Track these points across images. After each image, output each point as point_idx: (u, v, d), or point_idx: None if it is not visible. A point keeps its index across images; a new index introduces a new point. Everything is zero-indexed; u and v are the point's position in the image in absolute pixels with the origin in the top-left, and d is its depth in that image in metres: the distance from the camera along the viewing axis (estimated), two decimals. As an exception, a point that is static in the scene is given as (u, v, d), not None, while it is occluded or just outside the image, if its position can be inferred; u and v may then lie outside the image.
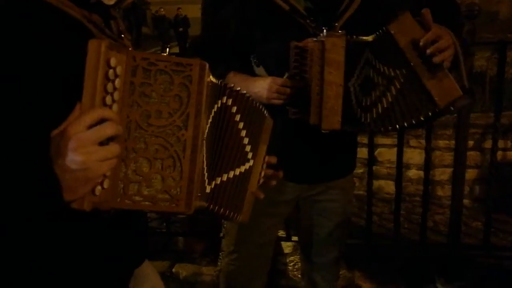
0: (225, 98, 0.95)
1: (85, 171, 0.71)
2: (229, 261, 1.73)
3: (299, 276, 2.59)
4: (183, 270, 2.68)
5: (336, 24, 1.44)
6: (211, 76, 0.86)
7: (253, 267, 1.72)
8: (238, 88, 0.97)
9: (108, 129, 0.72)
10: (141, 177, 0.79)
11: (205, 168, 0.90)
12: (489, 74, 4.37)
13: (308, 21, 1.45)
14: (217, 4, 2.45)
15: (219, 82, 0.93)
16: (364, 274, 2.59)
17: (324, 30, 1.39)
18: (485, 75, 4.38)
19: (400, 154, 2.59)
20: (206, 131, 0.87)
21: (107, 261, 0.97)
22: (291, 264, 2.73)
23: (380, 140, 3.57)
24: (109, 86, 0.73)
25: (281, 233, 2.63)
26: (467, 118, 2.46)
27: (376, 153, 3.42)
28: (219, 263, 2.72)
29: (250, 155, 1.05)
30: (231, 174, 0.99)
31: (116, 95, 0.75)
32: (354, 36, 1.36)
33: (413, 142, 3.62)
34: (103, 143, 0.72)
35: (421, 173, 3.21)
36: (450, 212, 2.62)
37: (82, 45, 0.72)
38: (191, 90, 0.80)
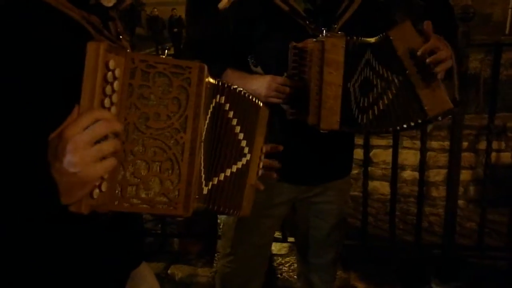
0: (218, 96, 0.94)
1: (82, 174, 0.70)
2: (225, 263, 1.72)
3: (295, 277, 2.59)
4: (178, 271, 2.67)
5: (335, 25, 1.45)
6: (209, 77, 0.86)
7: (250, 269, 1.71)
8: (229, 84, 0.96)
9: (102, 128, 0.71)
10: (139, 180, 0.79)
11: (202, 169, 0.90)
12: (483, 76, 4.41)
13: (307, 22, 1.45)
14: (199, 4, 2.46)
15: (216, 81, 0.93)
16: (360, 275, 2.60)
17: (324, 31, 1.39)
18: (479, 77, 4.42)
19: (395, 155, 2.60)
20: (204, 132, 0.87)
21: (104, 262, 0.97)
22: (287, 265, 2.73)
23: (375, 141, 3.58)
24: (108, 89, 0.73)
25: (277, 234, 2.63)
26: (461, 120, 2.47)
27: (371, 154, 3.43)
28: (214, 265, 2.72)
29: (246, 150, 1.04)
30: (228, 172, 0.99)
31: (114, 98, 0.75)
32: (355, 37, 1.36)
33: (407, 143, 3.63)
34: (98, 143, 0.72)
35: (416, 174, 3.23)
36: (445, 213, 2.63)
37: (81, 46, 0.71)
38: (190, 92, 0.80)
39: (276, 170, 1.18)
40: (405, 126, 1.37)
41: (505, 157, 3.55)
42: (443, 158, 3.56)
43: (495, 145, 3.08)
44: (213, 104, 0.92)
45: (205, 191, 0.93)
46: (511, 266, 2.59)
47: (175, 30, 13.57)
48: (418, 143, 2.97)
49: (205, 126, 0.88)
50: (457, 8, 2.62)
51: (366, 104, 1.37)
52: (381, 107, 1.36)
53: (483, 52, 4.60)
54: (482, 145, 3.25)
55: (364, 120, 1.38)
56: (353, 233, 2.70)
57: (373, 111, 1.37)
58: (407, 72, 1.32)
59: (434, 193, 3.67)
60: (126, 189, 0.78)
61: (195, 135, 0.81)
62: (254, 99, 1.06)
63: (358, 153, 2.64)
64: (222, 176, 0.97)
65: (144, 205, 0.80)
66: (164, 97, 0.79)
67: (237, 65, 1.53)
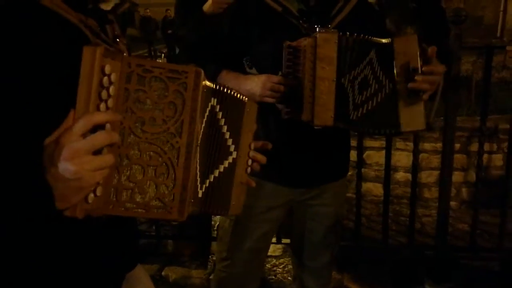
0: (213, 99, 0.94)
1: (78, 181, 0.70)
2: (221, 267, 1.71)
3: (289, 278, 2.60)
4: (172, 273, 2.67)
5: (329, 26, 1.46)
6: (206, 81, 0.85)
7: (246, 274, 1.69)
8: (221, 85, 0.96)
9: (102, 139, 0.72)
10: (134, 184, 0.79)
11: (198, 173, 0.90)
12: (475, 78, 4.45)
13: (300, 21, 1.46)
14: (187, 6, 2.47)
15: (213, 85, 0.93)
16: (353, 276, 2.61)
17: (317, 28, 1.40)
18: (471, 79, 4.45)
19: (388, 157, 2.62)
20: (200, 136, 0.87)
21: (100, 264, 0.97)
22: (281, 266, 2.74)
23: (368, 143, 3.60)
24: (103, 94, 0.73)
25: (271, 235, 2.64)
26: (453, 122, 2.49)
27: (364, 155, 3.45)
28: (208, 266, 2.72)
29: (232, 148, 1.03)
30: (217, 172, 0.98)
31: (110, 102, 0.74)
32: (355, 34, 1.38)
33: (400, 145, 3.65)
34: (97, 151, 0.72)
35: (408, 175, 3.24)
36: (437, 214, 2.64)
37: (78, 49, 0.71)
38: (186, 97, 0.80)
39: (261, 163, 1.14)
40: (376, 131, 1.45)
41: (497, 159, 3.58)
42: (435, 160, 3.58)
43: (487, 147, 3.10)
44: (209, 107, 0.92)
45: (200, 194, 0.93)
46: (503, 267, 2.61)
47: (169, 31, 13.48)
48: (410, 145, 2.99)
49: (201, 130, 0.88)
50: (449, 11, 2.64)
51: (359, 102, 1.39)
52: (369, 108, 1.39)
53: (475, 55, 4.64)
54: (474, 147, 3.27)
55: (354, 117, 1.40)
56: (347, 234, 2.71)
57: (362, 109, 1.40)
58: (396, 83, 1.37)
59: (427, 194, 3.69)
60: (121, 194, 0.78)
61: (191, 140, 0.81)
62: (238, 95, 1.04)
63: (352, 155, 2.63)
64: (212, 178, 0.97)
65: (139, 210, 0.80)
66: (160, 101, 0.79)
67: (232, 66, 1.53)
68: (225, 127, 0.99)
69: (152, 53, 3.54)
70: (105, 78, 0.72)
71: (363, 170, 2.85)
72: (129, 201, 0.79)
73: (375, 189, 3.70)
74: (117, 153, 0.77)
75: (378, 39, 1.38)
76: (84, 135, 0.70)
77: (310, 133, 1.47)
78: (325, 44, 1.36)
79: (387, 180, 2.66)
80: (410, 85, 1.34)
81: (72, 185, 0.70)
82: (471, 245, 2.68)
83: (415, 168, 2.63)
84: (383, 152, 2.78)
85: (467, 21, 2.37)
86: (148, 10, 14.97)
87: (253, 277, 1.74)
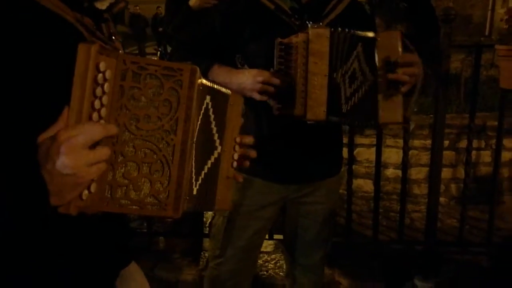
0: (207, 96, 0.94)
1: (74, 176, 0.71)
2: (213, 265, 1.70)
3: (281, 274, 2.61)
4: (164, 270, 2.67)
5: (321, 23, 1.47)
6: (202, 79, 0.85)
7: (238, 272, 1.69)
8: (211, 81, 0.96)
9: (97, 133, 0.72)
10: (129, 181, 0.79)
11: (194, 170, 0.90)
12: (464, 76, 4.49)
13: (292, 19, 1.47)
14: (177, 1, 2.47)
15: (209, 83, 0.93)
16: (344, 271, 2.63)
17: (309, 24, 1.41)
18: (460, 77, 4.50)
19: (378, 154, 2.64)
20: (196, 133, 0.87)
21: (93, 261, 0.97)
22: (273, 262, 2.75)
23: (359, 140, 3.62)
24: (98, 91, 0.73)
25: (263, 231, 2.65)
26: (443, 119, 2.52)
27: (355, 152, 3.47)
28: (200, 263, 2.73)
29: (217, 142, 1.01)
30: (206, 168, 0.98)
31: (104, 99, 0.75)
32: (347, 30, 1.39)
33: (390, 142, 3.68)
34: (92, 146, 0.72)
35: (398, 172, 3.28)
36: (427, 210, 2.68)
37: (73, 47, 0.72)
38: (181, 95, 0.80)
39: (250, 159, 1.13)
40: (356, 123, 1.48)
41: (485, 155, 3.62)
42: (425, 157, 3.62)
43: (475, 143, 3.15)
44: (204, 105, 0.93)
45: (194, 191, 0.93)
46: (491, 261, 2.65)
47: (160, 29, 13.32)
48: (400, 141, 3.02)
49: (197, 128, 0.88)
50: (438, 10, 2.67)
51: (349, 95, 1.42)
52: (355, 100, 1.42)
53: (464, 53, 4.69)
54: (463, 144, 3.32)
55: (345, 110, 1.42)
56: (338, 230, 2.73)
57: (351, 102, 1.42)
58: (377, 76, 1.39)
59: (416, 190, 3.72)
60: (116, 190, 0.79)
61: (186, 137, 0.81)
62: (222, 89, 1.02)
63: (343, 152, 2.68)
64: (203, 174, 0.97)
65: (134, 206, 0.80)
66: (155, 99, 0.79)
67: (224, 64, 1.53)
68: (214, 123, 0.99)
69: (143, 50, 3.51)
70: (100, 75, 0.73)
71: (354, 166, 2.87)
72: (123, 198, 0.79)
73: (365, 185, 3.73)
74: (112, 150, 0.77)
75: (365, 33, 1.40)
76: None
77: (302, 129, 1.48)
78: (317, 39, 1.38)
79: (377, 177, 2.68)
80: (389, 76, 1.36)
81: (68, 180, 0.71)
82: (459, 240, 2.72)
83: (405, 165, 2.66)
84: (374, 149, 2.81)
85: (456, 19, 2.40)
86: (138, 7, 14.78)
87: (246, 274, 1.74)
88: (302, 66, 1.39)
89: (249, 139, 1.11)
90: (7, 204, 0.72)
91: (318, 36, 1.38)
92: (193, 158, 0.88)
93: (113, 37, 0.96)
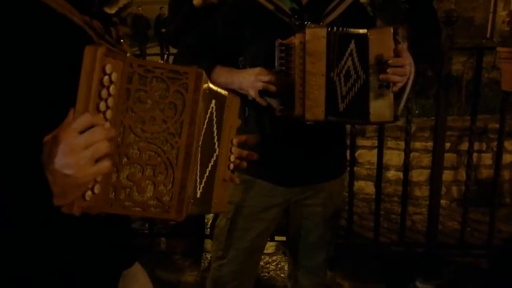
0: (213, 100, 0.94)
1: (76, 176, 0.71)
2: (216, 266, 1.70)
3: (282, 275, 2.62)
4: (165, 271, 2.67)
5: (321, 24, 1.46)
6: (208, 83, 0.86)
7: (241, 273, 1.69)
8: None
9: (98, 134, 0.73)
10: (132, 183, 0.79)
11: (198, 173, 0.90)
12: (465, 78, 4.50)
13: (292, 19, 1.47)
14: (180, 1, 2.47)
15: (215, 88, 0.93)
16: (345, 273, 2.63)
17: (307, 24, 1.41)
18: (461, 79, 4.50)
19: (380, 156, 2.65)
20: (202, 137, 0.88)
21: (95, 261, 0.98)
22: (274, 263, 2.76)
23: (360, 141, 3.63)
24: (104, 93, 0.74)
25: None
26: (444, 121, 2.53)
27: (356, 154, 3.48)
28: (201, 264, 2.73)
29: (216, 145, 1.01)
30: (208, 171, 0.98)
31: (110, 102, 0.75)
32: (341, 28, 1.39)
33: (391, 144, 3.68)
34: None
35: (400, 174, 3.28)
36: (428, 212, 2.68)
37: (81, 50, 0.73)
38: (186, 98, 0.80)
39: (249, 160, 1.12)
40: (348, 121, 1.46)
41: (486, 158, 3.62)
42: (426, 159, 3.62)
43: (476, 146, 3.15)
44: (210, 109, 0.93)
45: (198, 194, 0.93)
46: (492, 263, 2.65)
47: (163, 30, 13.27)
48: (402, 144, 3.02)
49: (203, 131, 0.88)
50: (440, 12, 2.68)
51: (344, 93, 1.41)
52: (350, 98, 1.41)
53: (466, 55, 4.69)
54: (464, 146, 3.31)
55: (341, 109, 1.42)
56: (339, 232, 2.73)
57: (346, 100, 1.42)
58: (369, 74, 1.38)
59: (417, 192, 3.72)
60: (119, 192, 0.79)
61: (191, 140, 0.81)
62: (220, 90, 1.01)
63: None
64: (205, 177, 0.97)
65: (137, 208, 0.81)
66: (161, 101, 0.79)
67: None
68: (215, 126, 0.99)
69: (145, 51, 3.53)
70: (106, 77, 0.73)
71: (355, 168, 2.87)
72: (127, 200, 0.80)
73: (367, 187, 3.73)
74: (116, 152, 0.78)
75: (357, 30, 1.39)
76: (81, 132, 0.71)
77: (305, 131, 1.48)
78: (314, 39, 1.37)
79: (378, 179, 2.69)
80: (381, 76, 1.36)
81: (69, 181, 0.71)
82: (461, 243, 2.72)
83: (406, 167, 2.66)
84: (375, 151, 2.81)
85: (458, 22, 2.41)
86: (140, 8, 14.72)
87: (249, 275, 1.74)
88: (299, 66, 1.39)
89: (248, 139, 1.11)
90: (12, 205, 0.72)
91: (315, 36, 1.37)
92: (198, 162, 0.88)
93: (122, 40, 0.96)
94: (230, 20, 1.55)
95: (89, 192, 0.75)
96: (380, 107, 1.39)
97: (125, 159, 0.79)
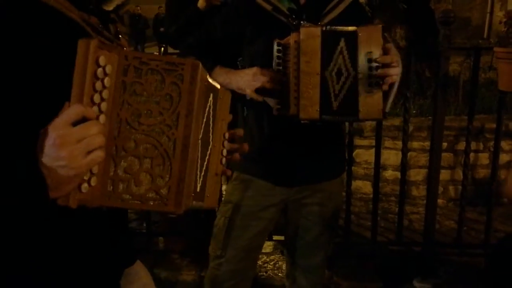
0: (211, 95, 0.94)
1: (69, 168, 0.71)
2: (214, 265, 1.70)
3: (279, 274, 2.63)
4: (163, 270, 2.67)
5: (319, 23, 1.47)
6: (207, 76, 0.85)
7: (239, 272, 1.69)
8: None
9: (93, 127, 0.73)
10: (130, 176, 0.79)
11: (198, 167, 0.90)
12: (462, 78, 4.51)
13: (290, 19, 1.48)
14: (179, 3, 2.48)
15: (212, 82, 0.93)
16: (343, 272, 2.64)
17: (302, 23, 1.42)
18: (458, 79, 4.52)
19: (377, 156, 2.65)
20: (202, 130, 0.87)
21: (97, 259, 0.98)
22: (272, 263, 2.76)
23: (358, 141, 3.64)
24: (98, 85, 0.74)
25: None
26: (441, 121, 2.54)
27: (354, 154, 3.48)
28: (200, 263, 2.73)
29: (210, 138, 0.99)
30: (205, 165, 0.97)
31: (105, 94, 0.75)
32: (330, 26, 1.39)
33: (389, 144, 3.69)
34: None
35: (397, 173, 3.29)
36: (425, 212, 2.69)
37: (77, 45, 0.73)
38: (182, 89, 0.80)
39: (248, 159, 1.12)
40: (337, 118, 1.45)
41: (483, 157, 3.64)
42: (423, 158, 3.63)
43: (473, 146, 3.16)
44: (209, 103, 0.93)
45: (198, 188, 0.93)
46: (488, 262, 2.66)
47: (162, 29, 13.21)
48: (399, 143, 3.03)
49: (203, 125, 0.88)
50: (438, 12, 2.69)
51: (337, 92, 1.41)
52: (342, 97, 1.41)
53: (463, 55, 4.71)
54: (461, 146, 3.33)
55: (335, 107, 1.42)
56: (337, 231, 2.74)
57: (338, 99, 1.42)
58: (358, 71, 1.39)
59: (415, 192, 3.74)
60: (117, 185, 0.79)
61: (188, 132, 0.81)
62: (214, 83, 1.00)
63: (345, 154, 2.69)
64: (203, 171, 0.96)
65: (135, 201, 0.80)
66: (157, 93, 0.79)
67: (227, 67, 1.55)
68: (211, 119, 0.98)
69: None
70: (100, 70, 0.74)
71: (352, 168, 2.88)
72: (125, 192, 0.79)
73: (364, 187, 3.74)
74: (113, 145, 0.78)
75: (346, 27, 1.40)
76: (74, 124, 0.71)
77: (303, 131, 1.49)
78: (308, 38, 1.38)
79: (376, 178, 2.70)
80: (369, 73, 1.36)
81: (64, 172, 0.71)
82: (457, 242, 2.73)
83: (404, 167, 2.67)
84: (372, 150, 2.82)
85: (455, 22, 2.42)
86: (139, 7, 14.66)
87: (247, 275, 1.74)
88: (294, 66, 1.40)
89: (237, 132, 1.10)
90: (8, 199, 0.72)
91: (309, 35, 1.38)
92: (199, 156, 0.88)
93: (120, 36, 0.97)
94: (230, 21, 1.56)
95: (85, 184, 0.75)
96: (369, 104, 1.39)
97: (122, 152, 0.79)
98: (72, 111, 0.71)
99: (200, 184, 0.94)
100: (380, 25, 1.39)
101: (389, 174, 3.74)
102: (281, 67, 1.42)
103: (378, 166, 2.68)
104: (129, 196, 0.80)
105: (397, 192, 3.00)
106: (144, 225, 2.94)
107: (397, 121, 3.57)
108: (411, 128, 3.50)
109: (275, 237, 2.73)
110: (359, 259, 2.73)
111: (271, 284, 2.61)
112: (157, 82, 0.79)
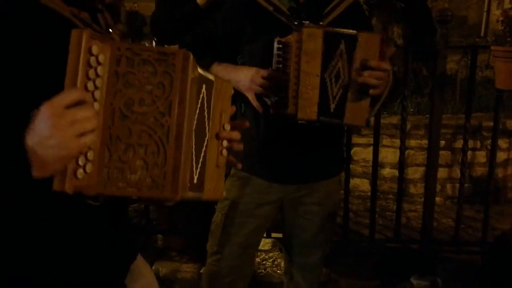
0: (204, 86, 0.94)
1: (58, 148, 0.72)
2: (212, 262, 1.72)
3: (278, 272, 2.63)
4: (162, 267, 2.67)
5: (321, 23, 1.47)
6: (198, 68, 0.87)
7: (236, 269, 1.70)
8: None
9: (87, 111, 0.74)
10: (125, 163, 0.81)
11: (194, 158, 0.91)
12: (460, 77, 4.52)
13: (290, 18, 1.48)
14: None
15: (204, 73, 0.93)
16: (341, 270, 2.65)
17: (305, 24, 1.42)
18: (455, 78, 4.53)
19: (375, 153, 2.66)
20: (195, 121, 0.88)
21: (105, 255, 0.99)
22: (270, 260, 2.77)
23: (356, 139, 3.64)
24: (91, 73, 0.76)
25: (260, 230, 2.66)
26: (439, 119, 2.55)
27: (352, 152, 3.49)
28: (198, 260, 2.74)
29: (206, 129, 0.99)
30: (201, 157, 0.97)
31: (98, 82, 0.77)
32: (334, 29, 1.40)
33: (387, 142, 3.70)
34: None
35: (395, 171, 3.30)
36: (423, 209, 2.70)
37: (69, 40, 0.74)
38: (174, 78, 0.82)
39: (239, 156, 1.10)
40: (330, 120, 1.45)
41: (481, 155, 3.65)
42: (421, 156, 3.64)
43: (471, 144, 3.17)
44: (202, 94, 0.93)
45: (195, 180, 0.93)
46: (485, 260, 2.68)
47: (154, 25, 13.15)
48: (397, 141, 3.04)
49: (196, 116, 0.89)
50: (435, 11, 2.70)
51: (334, 94, 1.43)
52: (338, 100, 1.43)
53: (460, 54, 4.72)
54: (459, 144, 3.34)
55: (332, 109, 1.43)
56: (334, 229, 2.75)
57: (335, 101, 1.43)
58: (352, 75, 1.40)
59: (412, 190, 3.75)
60: (113, 173, 0.80)
61: (181, 120, 0.82)
62: (209, 75, 0.99)
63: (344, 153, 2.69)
64: (200, 163, 0.97)
65: (131, 188, 0.81)
66: (150, 82, 0.81)
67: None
68: (206, 110, 0.99)
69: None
70: (93, 58, 0.75)
71: (350, 166, 2.89)
72: (121, 180, 0.81)
73: (362, 184, 3.75)
74: (107, 133, 0.80)
75: (347, 30, 1.40)
76: (68, 108, 0.72)
77: (301, 129, 1.50)
78: (310, 38, 1.38)
79: (374, 176, 2.71)
80: (359, 79, 1.38)
81: (52, 152, 0.72)
82: (455, 240, 2.75)
83: (401, 164, 2.68)
84: (370, 148, 2.83)
85: (452, 21, 2.43)
86: (136, 4, 14.63)
87: (244, 271, 1.75)
88: (294, 65, 1.40)
89: (241, 123, 1.10)
90: None
91: (311, 36, 1.38)
92: (193, 146, 0.89)
93: (111, 30, 0.98)
94: (230, 19, 1.56)
95: (80, 170, 0.76)
96: (355, 111, 1.41)
97: (116, 140, 0.80)
98: (67, 93, 0.73)
99: (197, 176, 0.94)
100: (380, 35, 1.40)
101: (387, 172, 3.75)
102: (280, 66, 1.42)
103: (376, 164, 2.69)
104: (125, 184, 0.81)
105: (395, 190, 3.01)
106: (143, 222, 2.94)
107: (394, 119, 3.59)
108: (408, 126, 3.50)
109: (273, 235, 2.73)
110: (357, 257, 2.74)
111: (269, 281, 2.62)
112: (149, 72, 0.81)
